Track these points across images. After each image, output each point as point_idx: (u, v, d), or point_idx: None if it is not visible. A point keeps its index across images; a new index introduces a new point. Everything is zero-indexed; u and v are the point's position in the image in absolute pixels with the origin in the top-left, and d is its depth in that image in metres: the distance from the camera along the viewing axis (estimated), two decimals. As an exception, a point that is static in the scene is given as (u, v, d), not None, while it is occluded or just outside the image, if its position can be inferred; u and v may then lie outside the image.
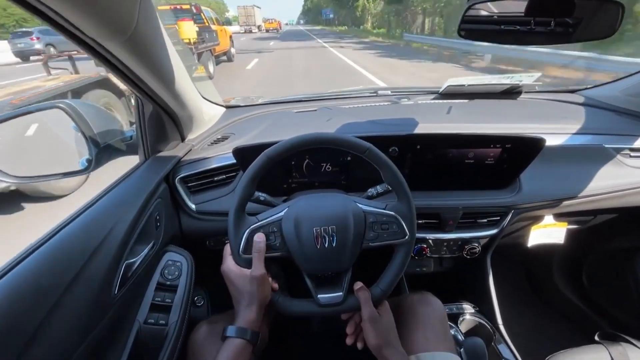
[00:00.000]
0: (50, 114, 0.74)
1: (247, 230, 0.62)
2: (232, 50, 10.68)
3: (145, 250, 0.72)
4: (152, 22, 0.60)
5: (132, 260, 0.67)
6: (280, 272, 1.12)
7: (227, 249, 0.67)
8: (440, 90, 1.30)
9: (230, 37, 10.44)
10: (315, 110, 1.17)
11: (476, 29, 0.75)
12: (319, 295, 0.64)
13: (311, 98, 1.35)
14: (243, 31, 46.99)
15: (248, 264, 0.62)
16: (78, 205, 0.65)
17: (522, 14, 0.67)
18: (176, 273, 0.79)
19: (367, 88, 1.44)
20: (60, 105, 0.74)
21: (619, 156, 0.95)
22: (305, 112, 1.16)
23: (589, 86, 1.30)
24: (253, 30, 47.50)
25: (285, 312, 0.65)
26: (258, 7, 54.51)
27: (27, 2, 0.39)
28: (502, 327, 1.06)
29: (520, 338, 1.04)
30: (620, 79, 1.19)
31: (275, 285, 0.66)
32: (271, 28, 48.93)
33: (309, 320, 1.21)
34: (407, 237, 0.64)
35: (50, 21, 0.43)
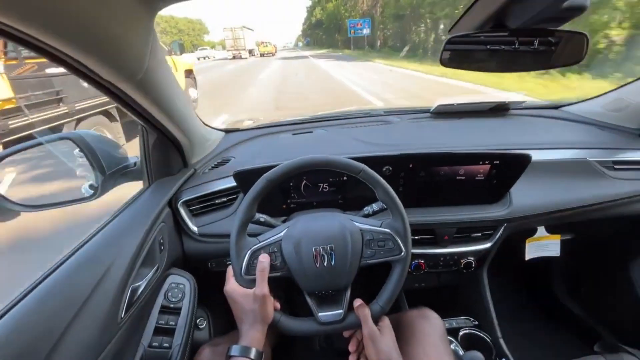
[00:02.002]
0: (60, 144, 0.78)
1: (249, 252, 0.65)
2: (193, 93, 6.09)
3: (150, 274, 0.74)
4: (160, 61, 0.64)
5: (137, 284, 0.69)
6: (281, 292, 1.13)
7: (230, 270, 0.68)
8: (431, 109, 1.35)
9: (190, 72, 6.11)
10: (311, 132, 1.22)
11: (459, 50, 0.79)
12: (319, 314, 0.65)
13: (307, 120, 1.40)
14: (231, 57, 39.49)
15: (250, 284, 0.64)
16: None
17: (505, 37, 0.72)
18: (179, 295, 0.81)
19: (360, 109, 1.50)
20: (69, 136, 0.78)
21: (603, 169, 0.99)
22: (301, 135, 1.21)
23: (572, 102, 1.36)
24: (243, 56, 39.37)
25: (287, 332, 0.66)
26: (250, 29, 45.59)
27: (48, 52, 0.44)
28: (501, 341, 1.06)
29: (520, 351, 1.04)
30: (602, 94, 1.25)
31: (277, 305, 0.67)
32: (266, 52, 42.29)
33: (313, 337, 1.20)
34: (402, 254, 0.67)
35: (71, 68, 0.48)
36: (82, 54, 0.46)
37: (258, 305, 0.62)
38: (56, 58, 0.45)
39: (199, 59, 41.24)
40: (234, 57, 39.10)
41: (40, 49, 0.41)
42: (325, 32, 66.61)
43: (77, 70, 0.48)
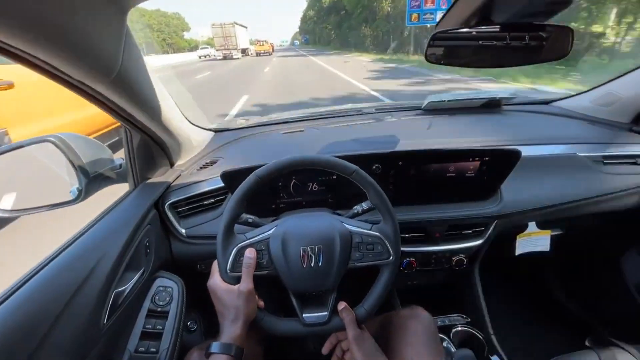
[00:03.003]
0: (41, 147, 0.77)
1: (235, 248, 0.64)
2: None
3: (135, 278, 0.72)
4: (136, 59, 0.63)
5: (121, 288, 0.68)
6: (274, 292, 1.12)
7: (215, 265, 0.67)
8: (422, 106, 1.35)
9: None
10: (302, 130, 1.21)
11: (445, 46, 0.78)
12: (304, 315, 0.65)
13: (298, 119, 1.39)
14: (221, 57, 34.39)
15: (235, 281, 0.63)
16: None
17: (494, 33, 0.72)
18: (167, 299, 0.80)
19: (352, 107, 1.49)
20: (51, 138, 0.76)
21: (592, 163, 0.99)
22: (292, 133, 1.20)
23: (562, 97, 1.36)
24: (235, 57, 34.27)
25: (270, 331, 0.65)
26: (243, 26, 41.16)
27: (12, 53, 0.42)
28: (493, 337, 1.06)
29: (512, 347, 1.05)
30: (591, 89, 1.25)
31: (261, 303, 0.66)
32: (262, 51, 38.96)
33: (304, 340, 1.20)
34: (391, 258, 0.66)
35: (38, 68, 0.46)
36: (49, 54, 0.44)
37: (242, 302, 0.61)
38: (20, 58, 0.43)
39: (200, 57, 39.01)
40: (224, 58, 34.01)
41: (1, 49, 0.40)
42: (339, 25, 42.99)
43: (45, 70, 0.47)
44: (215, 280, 0.65)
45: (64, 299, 0.55)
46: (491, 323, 1.08)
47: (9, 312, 0.48)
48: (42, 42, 0.42)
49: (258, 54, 39.00)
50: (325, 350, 0.70)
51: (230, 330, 0.61)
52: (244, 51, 38.95)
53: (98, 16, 0.47)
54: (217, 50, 37.24)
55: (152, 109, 0.76)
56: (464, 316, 1.13)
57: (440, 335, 0.81)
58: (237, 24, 37.60)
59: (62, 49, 0.45)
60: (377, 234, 0.66)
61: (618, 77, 1.13)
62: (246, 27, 45.41)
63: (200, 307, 1.05)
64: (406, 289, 1.18)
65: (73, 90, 0.55)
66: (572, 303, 1.35)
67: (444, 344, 1.00)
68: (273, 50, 43.12)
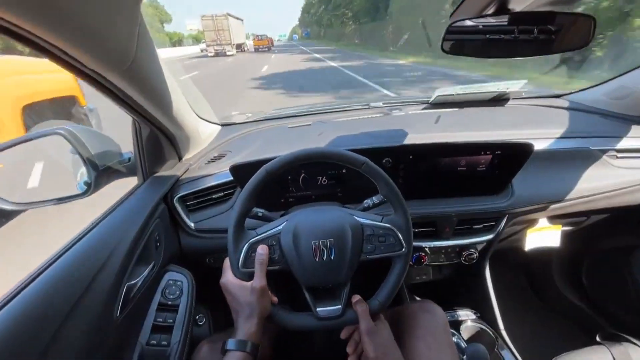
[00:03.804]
0: (50, 140, 0.76)
1: (247, 244, 0.63)
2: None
3: (146, 271, 0.72)
4: (149, 50, 0.62)
5: (133, 281, 0.67)
6: (286, 286, 1.11)
7: (227, 262, 0.67)
8: (431, 100, 1.33)
9: (72, 100, 2.83)
10: (310, 124, 1.20)
11: (460, 39, 0.77)
12: (317, 309, 0.64)
13: (305, 112, 1.38)
14: (213, 54, 30.49)
15: (247, 277, 0.62)
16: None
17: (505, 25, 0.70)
18: (177, 292, 0.79)
19: (359, 101, 1.47)
20: (60, 131, 0.75)
21: (605, 157, 0.98)
22: (299, 127, 1.19)
23: (573, 90, 1.34)
24: (228, 53, 30.78)
25: (284, 326, 0.65)
26: (238, 18, 37.43)
27: (30, 40, 0.41)
28: (504, 332, 1.06)
29: (522, 342, 1.04)
30: (604, 82, 1.23)
31: (275, 299, 0.66)
32: (261, 46, 36.80)
33: (313, 335, 1.20)
34: (403, 249, 0.65)
35: (53, 57, 0.45)
36: (63, 41, 0.43)
37: (255, 298, 0.61)
38: (34, 44, 0.42)
39: (202, 50, 37.12)
40: (216, 54, 30.13)
41: (16, 35, 0.39)
42: (374, 6, 26.64)
43: (59, 58, 0.46)
44: (228, 278, 0.65)
45: (77, 292, 0.54)
46: (501, 318, 1.08)
47: (23, 305, 0.48)
48: (56, 27, 0.41)
49: (256, 49, 36.87)
50: (344, 334, 0.70)
51: (245, 327, 0.61)
52: (239, 46, 35.54)
53: (112, 3, 0.46)
54: (207, 45, 32.16)
55: (163, 101, 0.75)
56: (474, 311, 1.12)
57: (450, 330, 0.81)
58: (230, 15, 33.66)
59: (76, 34, 0.44)
60: (389, 225, 0.66)
61: (631, 70, 1.11)
62: (242, 20, 41.64)
63: (209, 300, 1.05)
64: (416, 284, 1.18)
65: (86, 80, 0.54)
66: (583, 298, 1.34)
67: (454, 339, 1.00)
68: (272, 45, 41.67)
